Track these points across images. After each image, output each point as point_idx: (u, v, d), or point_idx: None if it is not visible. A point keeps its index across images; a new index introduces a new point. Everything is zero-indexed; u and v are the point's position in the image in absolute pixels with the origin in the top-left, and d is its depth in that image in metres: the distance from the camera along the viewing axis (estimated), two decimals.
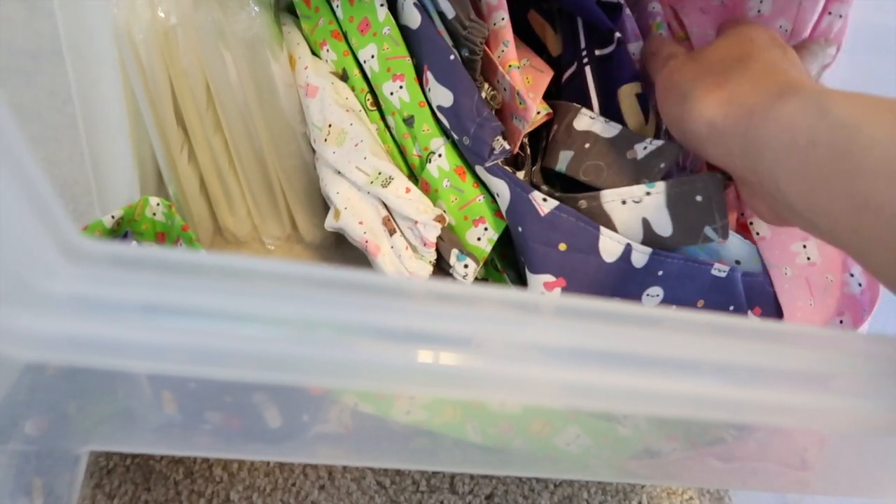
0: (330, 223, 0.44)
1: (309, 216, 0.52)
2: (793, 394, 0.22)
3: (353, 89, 0.45)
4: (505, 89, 0.41)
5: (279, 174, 0.49)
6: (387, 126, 0.45)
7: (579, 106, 0.41)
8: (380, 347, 0.20)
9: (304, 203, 0.51)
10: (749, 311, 0.41)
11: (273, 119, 0.45)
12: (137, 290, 0.18)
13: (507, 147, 0.39)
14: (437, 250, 0.42)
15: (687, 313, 0.22)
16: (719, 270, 0.37)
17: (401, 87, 0.42)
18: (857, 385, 0.22)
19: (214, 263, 0.19)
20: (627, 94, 0.42)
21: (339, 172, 0.43)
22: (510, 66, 0.40)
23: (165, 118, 0.44)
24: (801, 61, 0.38)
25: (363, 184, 0.42)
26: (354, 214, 0.43)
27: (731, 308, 0.39)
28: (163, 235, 0.43)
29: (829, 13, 0.45)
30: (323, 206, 0.52)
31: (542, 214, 0.38)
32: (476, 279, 0.43)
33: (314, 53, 0.47)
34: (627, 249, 0.37)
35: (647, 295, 0.38)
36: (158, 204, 0.42)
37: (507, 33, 0.41)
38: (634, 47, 0.45)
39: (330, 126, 0.43)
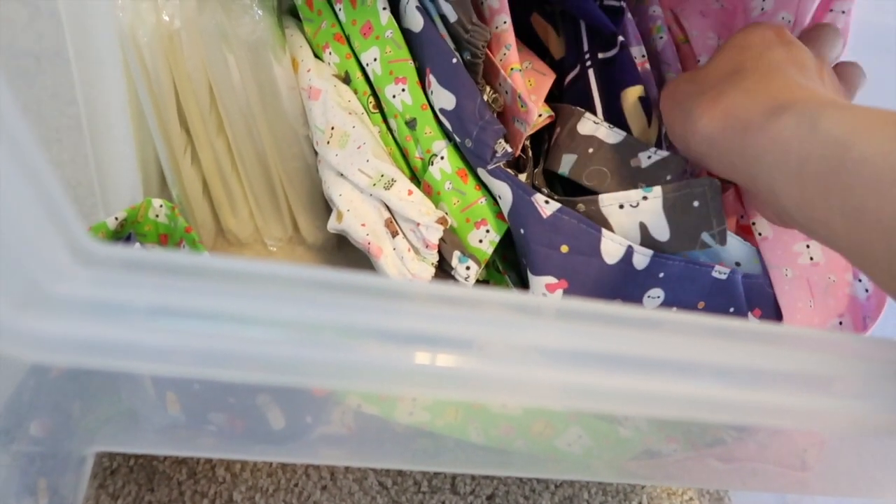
0: (332, 225, 0.44)
1: (311, 218, 0.52)
2: (792, 395, 0.22)
3: (355, 92, 0.46)
4: (507, 92, 0.41)
5: (281, 176, 0.49)
6: (389, 129, 0.45)
7: (583, 110, 0.42)
8: (383, 349, 0.20)
9: (305, 205, 0.51)
10: (749, 313, 0.41)
11: (276, 121, 0.46)
12: (146, 293, 0.18)
13: (510, 150, 0.39)
14: (439, 252, 0.42)
15: (687, 316, 0.22)
16: (720, 273, 0.38)
17: (403, 90, 0.43)
18: (856, 387, 0.23)
19: (222, 266, 0.19)
20: (630, 98, 0.42)
21: (342, 175, 0.44)
22: (512, 69, 0.40)
23: (169, 120, 0.44)
24: (814, 49, 0.38)
25: (365, 186, 0.42)
26: (357, 216, 0.43)
27: (732, 310, 0.39)
28: (166, 237, 0.44)
29: (831, 10, 0.45)
30: (325, 208, 0.52)
31: (545, 217, 0.38)
32: (478, 281, 0.43)
33: (317, 56, 0.47)
34: (629, 251, 0.37)
35: (648, 297, 0.39)
36: (161, 206, 0.42)
37: (510, 37, 0.41)
38: (636, 51, 0.45)
39: (332, 128, 0.44)
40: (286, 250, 0.55)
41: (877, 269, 0.26)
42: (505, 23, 0.41)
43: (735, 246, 0.39)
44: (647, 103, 0.42)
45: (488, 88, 0.41)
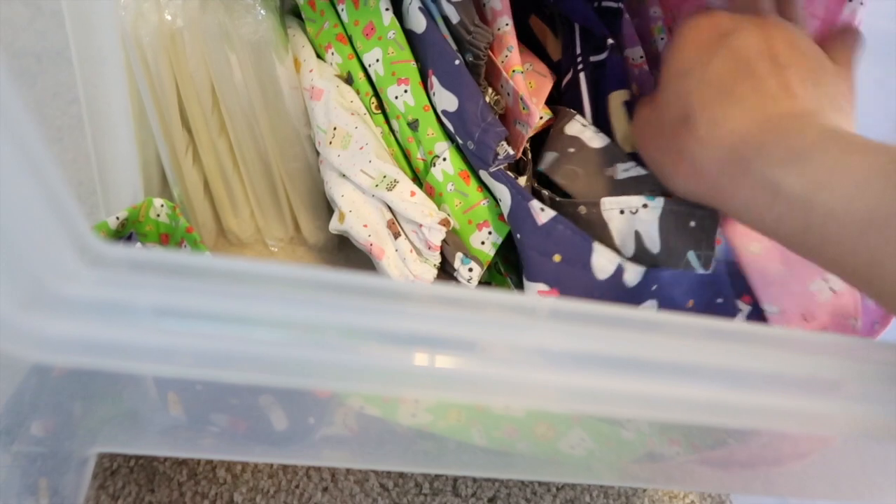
0: (334, 226, 0.44)
1: (312, 218, 0.52)
2: (796, 399, 0.22)
3: (357, 92, 0.45)
4: (508, 94, 0.41)
5: (283, 176, 0.49)
6: (391, 130, 0.45)
7: (575, 112, 0.42)
8: (385, 351, 0.20)
9: (307, 205, 0.51)
10: (738, 301, 0.42)
11: (278, 122, 0.45)
12: (152, 294, 0.18)
13: (511, 152, 0.39)
14: (442, 254, 0.42)
15: (692, 318, 0.22)
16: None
17: (405, 91, 0.43)
18: (860, 390, 0.23)
19: (227, 267, 0.19)
20: (615, 102, 0.41)
21: (344, 175, 0.44)
22: (514, 70, 0.40)
23: (171, 120, 0.44)
24: (834, 54, 0.35)
25: (368, 187, 0.42)
26: (359, 217, 0.43)
27: (720, 301, 0.39)
28: (167, 237, 0.44)
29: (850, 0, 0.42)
30: (326, 208, 0.52)
31: (540, 224, 0.38)
32: (480, 283, 0.43)
33: (319, 57, 0.47)
34: (619, 269, 0.37)
35: (641, 307, 0.38)
36: (162, 205, 0.42)
37: (511, 38, 0.41)
38: (634, 52, 0.45)
39: (335, 129, 0.44)
40: (287, 251, 0.55)
41: (878, 300, 0.26)
42: (507, 25, 0.41)
43: None
44: (631, 107, 0.41)
45: (490, 90, 0.41)
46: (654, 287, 0.37)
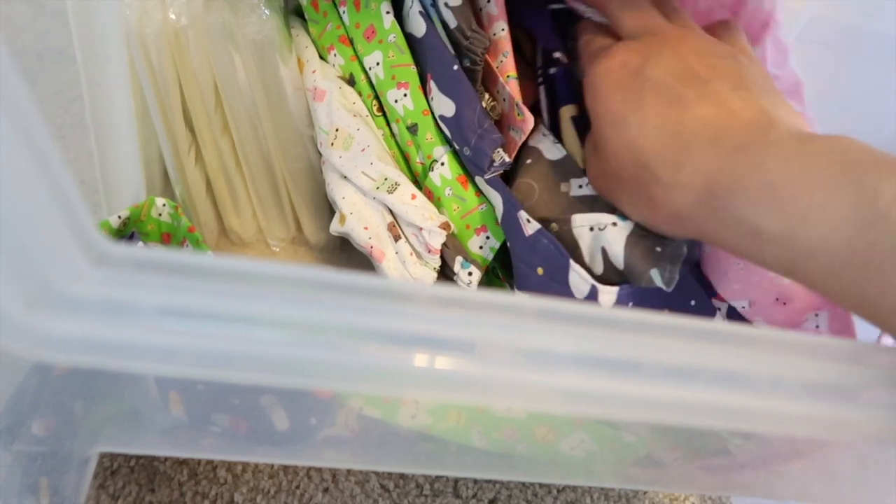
0: (335, 228, 0.44)
1: (314, 219, 0.52)
2: (797, 403, 0.22)
3: (359, 94, 0.45)
4: (504, 100, 0.41)
5: (285, 177, 0.49)
6: (392, 133, 0.45)
7: (540, 122, 0.42)
8: (386, 351, 0.20)
9: (309, 206, 0.51)
10: (712, 300, 0.42)
11: (281, 122, 0.45)
12: (156, 293, 0.18)
13: (508, 159, 0.39)
14: (442, 257, 0.42)
15: (699, 322, 0.22)
16: None
17: (405, 94, 0.42)
18: (861, 394, 0.23)
19: (231, 267, 0.19)
20: (564, 116, 0.41)
21: (345, 177, 0.44)
22: (508, 76, 0.40)
23: (174, 119, 0.44)
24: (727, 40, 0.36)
25: (369, 189, 0.42)
26: (360, 219, 0.43)
27: (693, 303, 0.39)
28: (168, 236, 0.44)
29: None
30: (328, 209, 0.52)
31: (526, 235, 0.37)
32: (479, 287, 0.43)
33: (322, 58, 0.47)
34: (593, 290, 0.36)
35: None
36: (164, 205, 0.42)
37: (507, 43, 0.41)
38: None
39: (337, 130, 0.43)
40: (289, 251, 0.55)
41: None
42: (503, 30, 0.41)
43: None
44: (579, 123, 0.41)
45: (487, 95, 0.41)
46: (630, 304, 0.37)
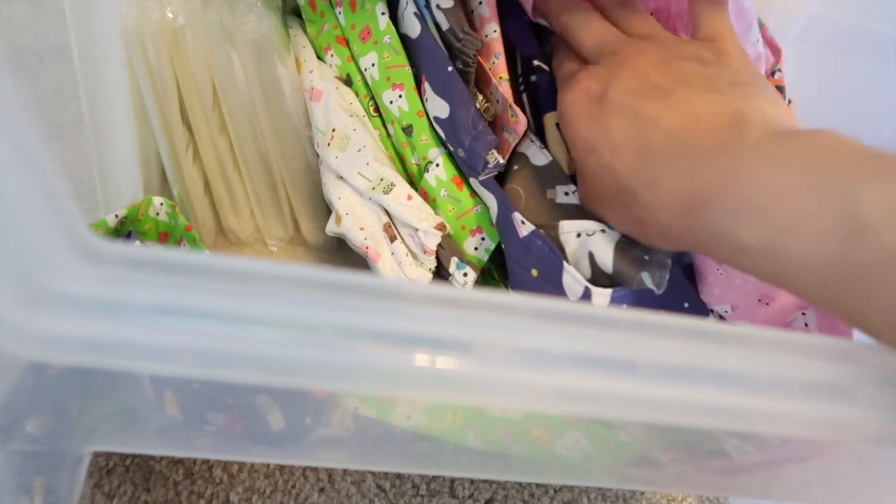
0: (331, 228, 0.44)
1: (312, 219, 0.52)
2: (796, 403, 0.22)
3: (356, 95, 0.45)
4: (497, 101, 0.41)
5: (283, 176, 0.49)
6: (388, 133, 0.45)
7: (529, 127, 0.41)
8: (382, 351, 0.20)
9: (307, 205, 0.51)
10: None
11: (279, 121, 0.45)
12: (151, 292, 0.18)
13: (502, 161, 0.39)
14: (438, 258, 0.42)
15: (695, 321, 0.22)
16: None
17: (400, 96, 0.42)
18: (861, 395, 0.23)
19: (227, 266, 0.19)
20: (549, 123, 0.41)
21: (342, 177, 0.44)
22: (500, 77, 0.40)
23: (171, 118, 0.44)
24: (707, 28, 0.35)
25: (365, 190, 0.42)
26: (356, 220, 0.43)
27: (687, 305, 0.39)
28: (166, 235, 0.44)
29: None
30: (326, 208, 0.52)
31: (521, 237, 0.37)
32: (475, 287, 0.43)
33: (319, 58, 0.47)
34: (587, 292, 0.36)
35: None
36: (162, 204, 0.42)
37: (499, 45, 0.41)
38: None
39: (333, 131, 0.43)
40: (287, 250, 0.54)
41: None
42: (495, 31, 0.41)
43: None
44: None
45: (480, 97, 0.41)
46: (624, 306, 0.37)
